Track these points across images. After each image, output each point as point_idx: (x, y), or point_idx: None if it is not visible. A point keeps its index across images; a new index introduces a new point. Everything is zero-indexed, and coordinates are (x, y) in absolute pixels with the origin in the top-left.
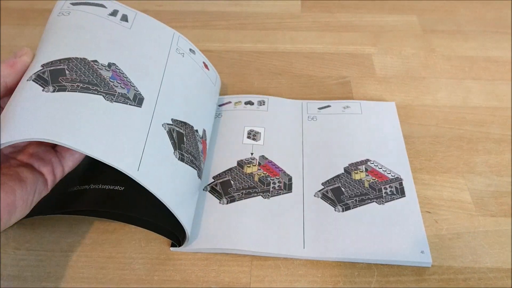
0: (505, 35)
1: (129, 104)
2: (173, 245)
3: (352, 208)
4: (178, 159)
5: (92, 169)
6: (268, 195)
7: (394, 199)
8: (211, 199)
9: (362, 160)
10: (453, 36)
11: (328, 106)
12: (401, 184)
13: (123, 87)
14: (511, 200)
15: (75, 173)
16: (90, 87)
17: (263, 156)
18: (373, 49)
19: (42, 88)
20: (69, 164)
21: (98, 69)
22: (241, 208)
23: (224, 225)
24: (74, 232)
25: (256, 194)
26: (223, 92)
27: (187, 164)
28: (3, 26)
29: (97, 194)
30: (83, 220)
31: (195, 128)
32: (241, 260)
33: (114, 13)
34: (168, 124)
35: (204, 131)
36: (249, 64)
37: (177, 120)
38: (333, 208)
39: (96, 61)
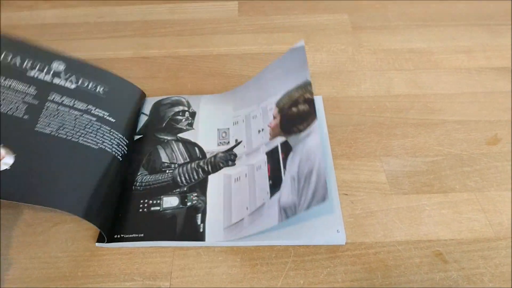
0: (428, 27)
1: None
2: (100, 240)
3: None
4: None
5: None
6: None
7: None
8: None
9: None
10: (381, 31)
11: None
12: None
13: None
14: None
15: None
16: None
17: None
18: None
19: None
20: None
21: None
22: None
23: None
24: (2, 237)
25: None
26: (157, 94)
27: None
28: None
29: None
30: (10, 224)
31: None
32: (163, 251)
33: None
34: None
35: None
36: (184, 67)
37: None
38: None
39: None
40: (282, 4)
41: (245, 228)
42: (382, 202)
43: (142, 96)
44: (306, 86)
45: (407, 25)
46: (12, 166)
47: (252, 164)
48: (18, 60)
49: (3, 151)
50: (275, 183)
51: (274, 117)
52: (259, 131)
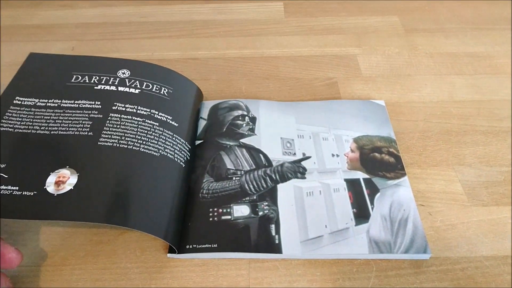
0: (484, 31)
1: None
2: (171, 251)
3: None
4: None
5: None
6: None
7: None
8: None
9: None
10: (434, 34)
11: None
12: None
13: None
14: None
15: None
16: None
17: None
18: (358, 50)
19: None
20: None
21: None
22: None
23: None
24: (67, 245)
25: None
26: (211, 97)
27: None
28: None
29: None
30: (76, 233)
31: None
32: (239, 263)
33: None
34: None
35: None
36: (236, 70)
37: None
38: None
39: None
40: (328, 5)
41: (326, 246)
42: (461, 214)
43: (201, 98)
44: (390, 142)
45: (460, 27)
46: (75, 185)
47: (328, 183)
48: (86, 79)
49: (67, 172)
50: (362, 214)
51: (352, 151)
52: (333, 155)
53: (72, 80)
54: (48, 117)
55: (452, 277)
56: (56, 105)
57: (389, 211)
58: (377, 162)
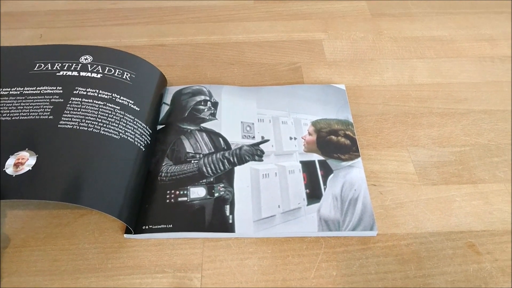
0: (449, 15)
1: None
2: (128, 231)
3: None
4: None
5: None
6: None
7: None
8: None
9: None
10: (400, 18)
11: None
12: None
13: None
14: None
15: None
16: None
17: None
18: (324, 35)
19: None
20: None
21: None
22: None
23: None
24: (28, 227)
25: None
26: (176, 83)
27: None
28: None
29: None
30: (37, 216)
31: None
32: (193, 242)
33: None
34: None
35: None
36: (202, 56)
37: None
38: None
39: None
40: None
41: (278, 225)
42: (411, 193)
43: (165, 83)
44: (347, 125)
45: (427, 12)
46: (34, 166)
47: (284, 166)
48: (49, 66)
49: (26, 154)
50: (314, 194)
51: (310, 134)
52: (290, 138)
53: (35, 69)
54: (10, 104)
55: (397, 252)
56: (18, 92)
57: (341, 191)
58: (333, 145)
